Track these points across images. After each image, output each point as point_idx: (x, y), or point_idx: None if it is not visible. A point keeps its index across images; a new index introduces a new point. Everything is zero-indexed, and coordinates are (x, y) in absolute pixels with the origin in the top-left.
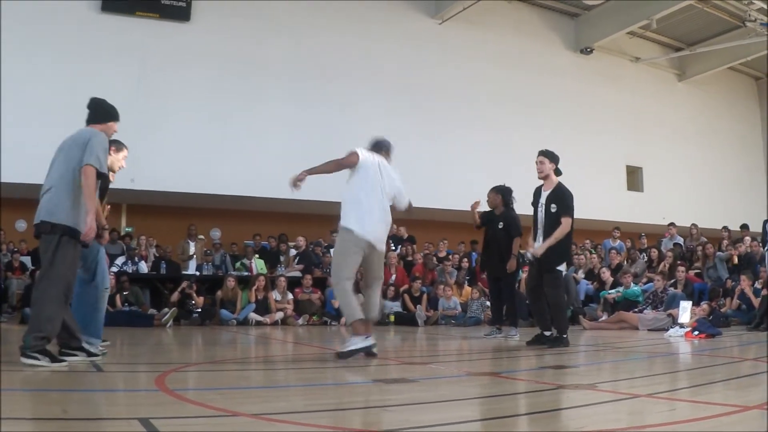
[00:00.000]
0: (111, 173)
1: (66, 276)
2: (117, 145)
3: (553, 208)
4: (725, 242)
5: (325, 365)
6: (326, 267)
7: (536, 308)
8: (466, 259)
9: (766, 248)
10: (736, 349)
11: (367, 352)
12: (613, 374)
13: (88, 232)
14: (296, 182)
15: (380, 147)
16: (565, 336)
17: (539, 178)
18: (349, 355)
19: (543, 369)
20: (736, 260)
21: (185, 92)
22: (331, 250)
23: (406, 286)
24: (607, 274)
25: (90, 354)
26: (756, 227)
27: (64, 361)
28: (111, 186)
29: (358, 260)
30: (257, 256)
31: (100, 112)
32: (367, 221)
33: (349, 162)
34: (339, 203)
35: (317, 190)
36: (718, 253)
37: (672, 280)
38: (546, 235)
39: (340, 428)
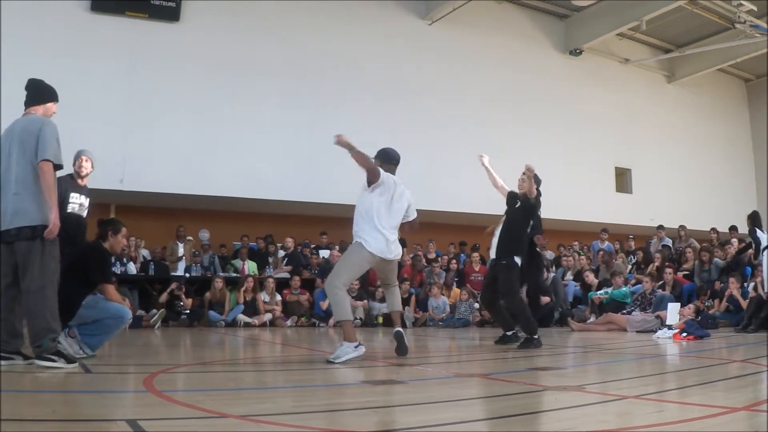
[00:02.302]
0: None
1: (55, 272)
2: (115, 226)
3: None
4: (715, 247)
5: (314, 367)
6: (314, 268)
7: (493, 313)
8: (454, 261)
9: (763, 251)
10: (724, 351)
11: (397, 333)
12: (601, 376)
13: (52, 229)
14: (340, 142)
15: (391, 160)
16: (536, 337)
17: (519, 191)
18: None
19: (531, 370)
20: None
21: (174, 93)
22: (320, 251)
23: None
24: (591, 277)
25: (26, 357)
26: (744, 229)
27: (76, 361)
28: (100, 186)
29: (361, 273)
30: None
31: (39, 93)
32: (381, 239)
33: (374, 173)
34: (327, 205)
35: (306, 192)
36: (716, 259)
37: (660, 282)
38: (501, 237)
39: (328, 430)
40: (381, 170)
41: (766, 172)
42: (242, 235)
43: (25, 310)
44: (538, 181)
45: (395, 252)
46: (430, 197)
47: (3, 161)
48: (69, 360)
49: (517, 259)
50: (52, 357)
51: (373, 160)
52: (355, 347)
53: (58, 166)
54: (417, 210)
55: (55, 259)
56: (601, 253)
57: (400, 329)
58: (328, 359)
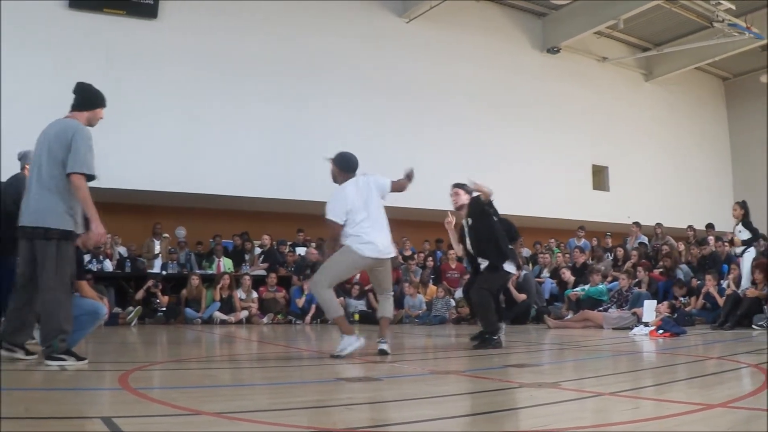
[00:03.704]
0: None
1: (69, 274)
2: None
3: (470, 221)
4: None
5: (290, 364)
6: (291, 266)
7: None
8: (431, 258)
9: (743, 249)
10: (700, 348)
11: (381, 352)
12: (577, 373)
13: (98, 239)
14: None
15: (349, 168)
16: (495, 338)
17: (455, 208)
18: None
19: (507, 367)
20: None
21: (152, 90)
22: (297, 249)
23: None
24: (567, 274)
25: (29, 353)
26: (721, 227)
27: (85, 359)
28: None
29: (349, 276)
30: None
31: (87, 98)
32: (370, 242)
33: (335, 233)
34: (304, 202)
35: (283, 189)
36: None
37: (637, 279)
38: (478, 248)
39: (302, 427)
40: (333, 219)
41: (743, 170)
42: (215, 234)
43: (40, 310)
44: (468, 191)
45: (387, 250)
46: (407, 195)
47: (35, 163)
48: (78, 357)
49: (509, 267)
50: (62, 356)
51: (332, 163)
52: (356, 339)
53: (90, 177)
54: (397, 207)
55: (70, 262)
56: (577, 250)
57: (385, 348)
58: (332, 354)
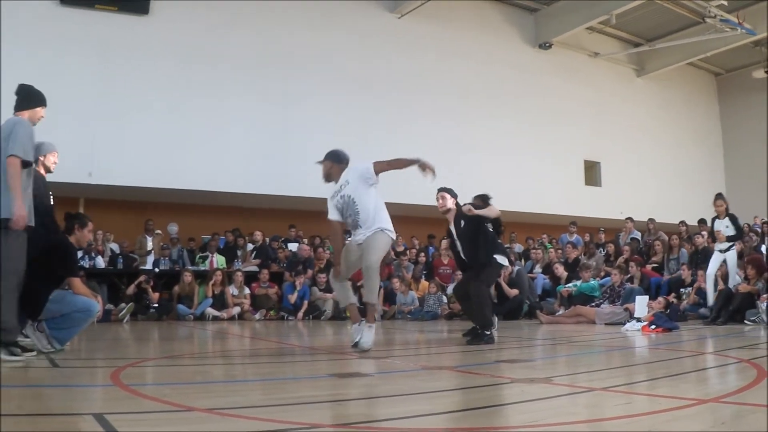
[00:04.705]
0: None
1: (17, 267)
2: (81, 221)
3: (462, 224)
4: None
5: (282, 360)
6: (283, 262)
7: (466, 307)
8: (423, 254)
9: (730, 246)
10: (693, 343)
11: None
12: (569, 368)
13: (17, 220)
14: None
15: (343, 161)
16: (488, 333)
17: (442, 212)
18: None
19: (499, 363)
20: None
21: (144, 86)
22: (289, 245)
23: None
24: (560, 270)
25: (25, 350)
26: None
27: (29, 352)
28: (69, 180)
29: None
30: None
31: (27, 98)
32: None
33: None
34: (295, 198)
35: (275, 185)
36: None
37: (629, 275)
38: (468, 251)
39: (295, 422)
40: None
41: (735, 166)
42: (213, 233)
43: None
44: (454, 195)
45: None
46: (400, 191)
47: None
48: (13, 352)
49: (500, 259)
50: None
51: (324, 162)
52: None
53: (27, 163)
54: (387, 203)
55: (18, 249)
56: (569, 246)
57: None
58: (364, 348)
